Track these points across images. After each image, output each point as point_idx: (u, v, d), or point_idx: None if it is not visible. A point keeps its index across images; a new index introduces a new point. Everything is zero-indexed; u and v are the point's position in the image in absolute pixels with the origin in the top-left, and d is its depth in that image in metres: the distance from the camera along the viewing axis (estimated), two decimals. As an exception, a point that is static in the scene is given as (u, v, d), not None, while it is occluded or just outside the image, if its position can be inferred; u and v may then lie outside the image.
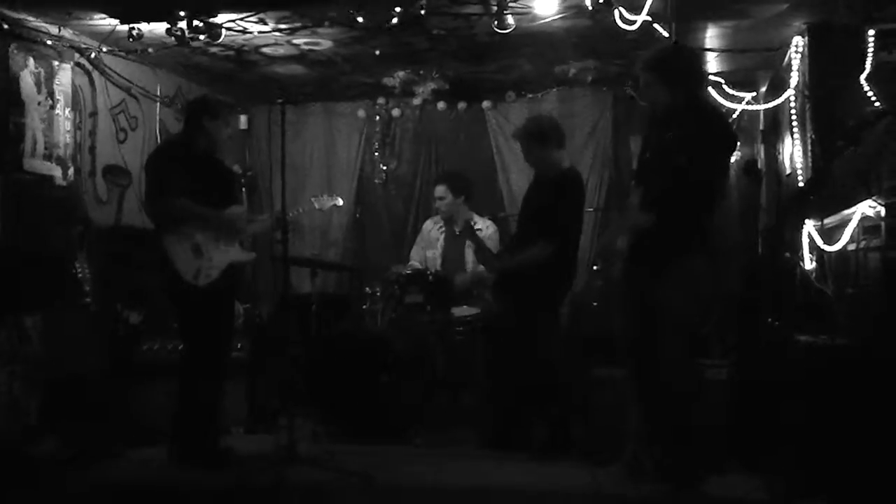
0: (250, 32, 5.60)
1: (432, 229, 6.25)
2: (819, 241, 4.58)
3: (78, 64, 5.73)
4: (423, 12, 5.09)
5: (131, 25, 5.25)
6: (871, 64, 4.50)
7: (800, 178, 5.02)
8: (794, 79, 5.12)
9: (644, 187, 3.92)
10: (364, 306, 5.96)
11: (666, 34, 4.87)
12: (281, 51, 6.10)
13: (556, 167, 4.86)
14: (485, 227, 5.99)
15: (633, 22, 4.78)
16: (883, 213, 3.79)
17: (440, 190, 6.07)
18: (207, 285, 4.47)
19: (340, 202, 5.61)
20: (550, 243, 4.67)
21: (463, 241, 6.05)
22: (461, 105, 7.37)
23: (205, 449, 4.48)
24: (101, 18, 5.29)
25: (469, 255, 6.00)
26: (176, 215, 4.46)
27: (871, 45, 4.54)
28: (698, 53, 4.10)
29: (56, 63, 5.52)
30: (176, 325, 5.00)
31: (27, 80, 5.28)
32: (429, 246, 6.20)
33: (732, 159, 6.54)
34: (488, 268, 5.18)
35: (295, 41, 5.86)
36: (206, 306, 4.48)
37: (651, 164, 3.91)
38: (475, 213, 6.16)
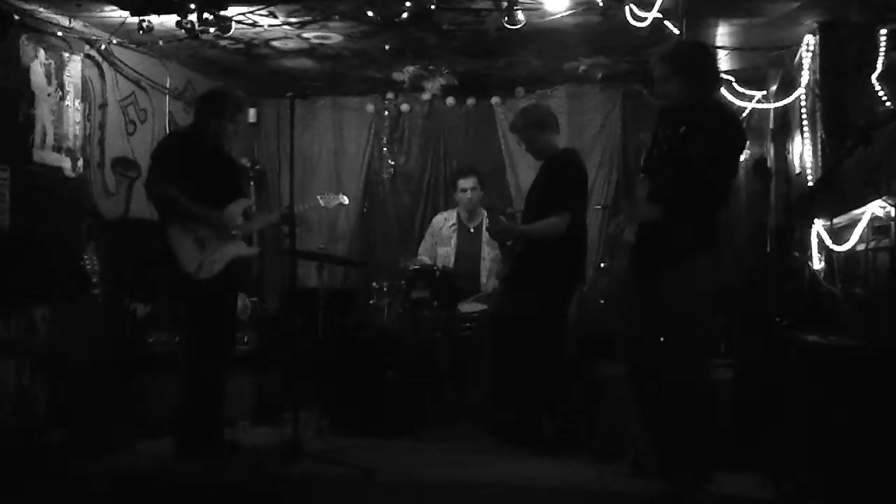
0: (260, 26, 5.60)
1: (444, 226, 6.24)
2: (828, 241, 4.57)
3: (88, 56, 5.74)
4: (433, 7, 5.09)
5: (141, 17, 5.25)
6: (883, 63, 4.47)
7: (809, 177, 5.00)
8: (805, 77, 5.10)
9: (652, 182, 3.90)
10: (371, 301, 5.97)
11: (677, 31, 4.86)
12: (290, 44, 6.10)
13: (555, 149, 4.98)
14: None
15: (644, 19, 4.77)
16: (893, 213, 3.77)
17: (471, 181, 6.08)
18: (209, 278, 4.48)
19: (346, 201, 5.61)
20: (562, 216, 4.71)
21: (477, 239, 6.06)
22: (470, 101, 7.36)
23: (210, 441, 4.49)
24: (111, 10, 5.29)
25: (485, 251, 6.00)
26: (166, 204, 4.48)
27: (883, 44, 4.51)
28: (715, 51, 4.09)
29: (66, 54, 5.53)
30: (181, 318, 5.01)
31: (37, 71, 5.29)
32: (441, 243, 6.20)
33: (742, 158, 6.56)
34: (503, 238, 5.09)
35: (304, 35, 5.86)
36: (207, 299, 4.50)
37: (660, 159, 3.88)
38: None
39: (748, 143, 6.55)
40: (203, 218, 4.55)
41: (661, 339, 3.78)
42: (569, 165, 4.90)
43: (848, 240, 4.27)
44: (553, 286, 4.74)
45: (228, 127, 4.66)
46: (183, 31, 5.22)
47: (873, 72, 4.50)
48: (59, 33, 5.45)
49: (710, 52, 4.04)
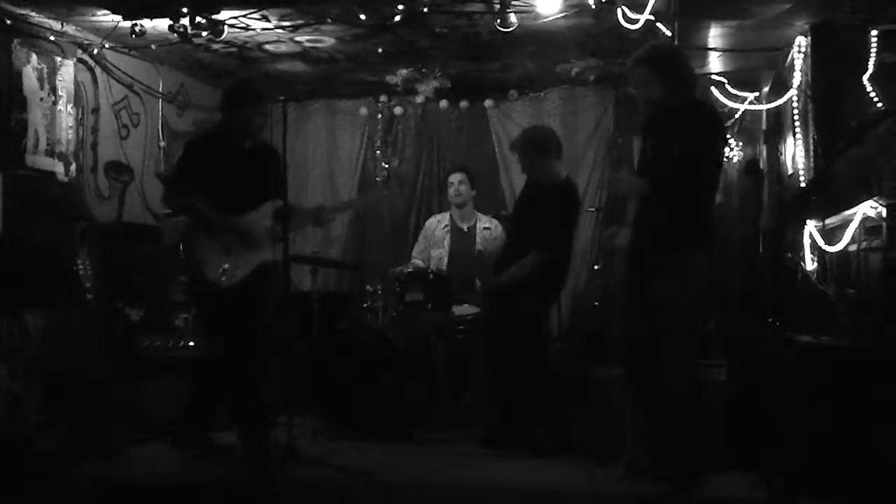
0: (253, 29, 5.60)
1: (437, 228, 6.24)
2: (820, 242, 4.57)
3: (80, 60, 5.74)
4: (425, 10, 5.10)
5: (134, 22, 5.26)
6: (874, 64, 4.49)
7: (801, 178, 5.01)
8: (797, 79, 5.11)
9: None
10: (365, 304, 5.96)
11: (669, 33, 4.87)
12: (283, 48, 6.10)
13: (555, 177, 4.90)
14: (493, 226, 6.03)
15: (636, 21, 4.78)
16: (884, 213, 3.78)
17: (458, 176, 6.09)
18: (232, 285, 4.37)
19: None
20: (543, 253, 4.70)
21: (470, 240, 6.06)
22: (463, 103, 7.37)
23: (206, 445, 4.49)
24: (103, 14, 5.29)
25: (478, 251, 6.01)
26: (186, 214, 4.44)
27: (874, 45, 4.53)
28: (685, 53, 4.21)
29: (59, 59, 5.52)
30: (178, 323, 4.99)
31: (30, 75, 5.29)
32: (434, 245, 6.19)
33: (735, 159, 6.58)
34: (486, 286, 5.24)
35: (297, 38, 5.86)
36: (228, 306, 4.37)
37: (649, 168, 3.91)
38: (479, 212, 6.19)
39: (741, 144, 6.59)
40: (224, 225, 4.42)
41: (657, 339, 3.79)
42: (571, 205, 4.87)
43: (840, 240, 4.28)
44: (532, 297, 4.74)
45: (255, 119, 4.49)
46: (175, 34, 5.23)
47: (865, 73, 4.52)
48: (52, 38, 5.44)
49: (683, 53, 4.13)
